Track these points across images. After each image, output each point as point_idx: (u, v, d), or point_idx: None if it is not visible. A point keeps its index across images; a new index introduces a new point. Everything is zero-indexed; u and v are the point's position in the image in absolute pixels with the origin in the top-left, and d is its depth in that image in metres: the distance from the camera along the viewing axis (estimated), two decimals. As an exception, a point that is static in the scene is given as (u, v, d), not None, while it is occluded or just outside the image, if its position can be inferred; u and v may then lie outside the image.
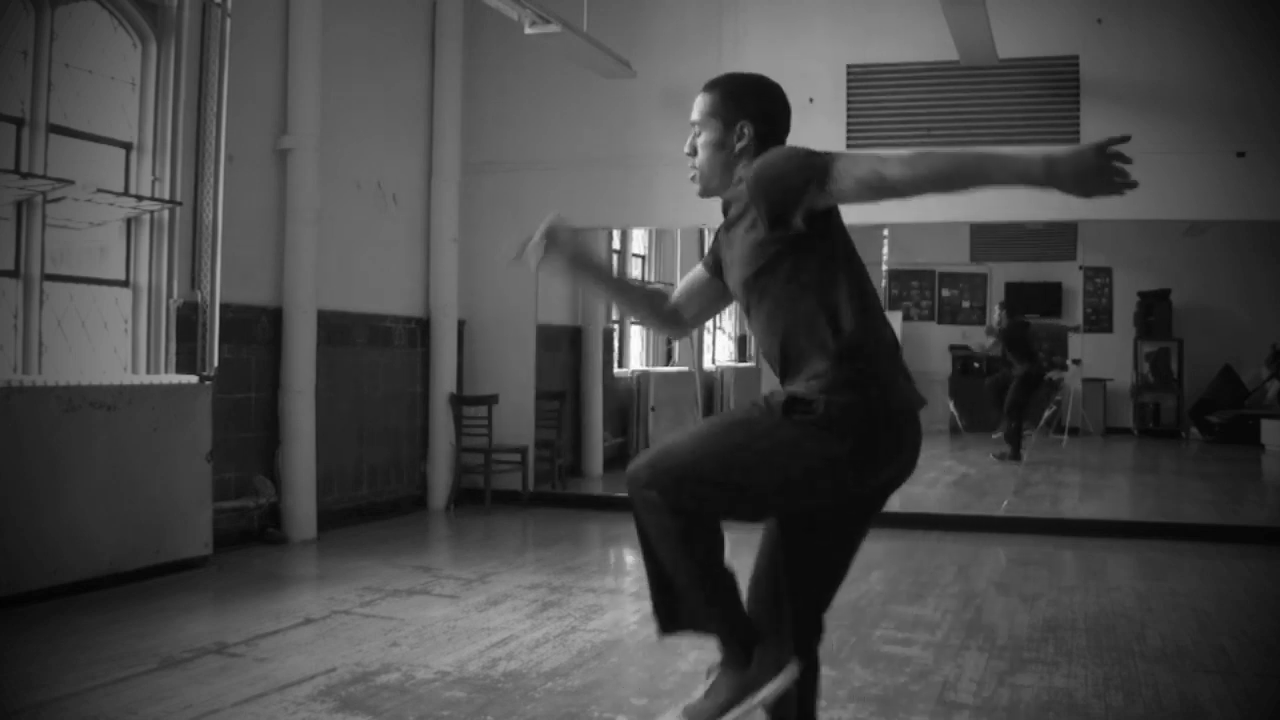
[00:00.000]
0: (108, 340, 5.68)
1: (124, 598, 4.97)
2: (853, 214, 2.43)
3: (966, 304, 14.63)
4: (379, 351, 7.57)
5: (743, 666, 2.37)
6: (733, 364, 12.39)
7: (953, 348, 14.35)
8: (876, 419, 2.26)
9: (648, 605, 2.46)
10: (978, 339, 13.85)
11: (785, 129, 2.49)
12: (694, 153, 2.49)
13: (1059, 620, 4.82)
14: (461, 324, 8.28)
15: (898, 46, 7.65)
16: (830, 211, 2.31)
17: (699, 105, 2.48)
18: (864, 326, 2.29)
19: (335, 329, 7.08)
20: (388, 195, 7.71)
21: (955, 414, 12.80)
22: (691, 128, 2.50)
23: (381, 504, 7.57)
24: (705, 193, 2.52)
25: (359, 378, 7.38)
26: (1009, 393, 10.98)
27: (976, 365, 14.17)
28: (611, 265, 2.61)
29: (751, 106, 2.43)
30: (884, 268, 11.55)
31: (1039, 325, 12.66)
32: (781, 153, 2.32)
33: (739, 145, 2.42)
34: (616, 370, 10.43)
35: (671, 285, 2.75)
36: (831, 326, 2.27)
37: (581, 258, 2.61)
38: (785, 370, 2.35)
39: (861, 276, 2.37)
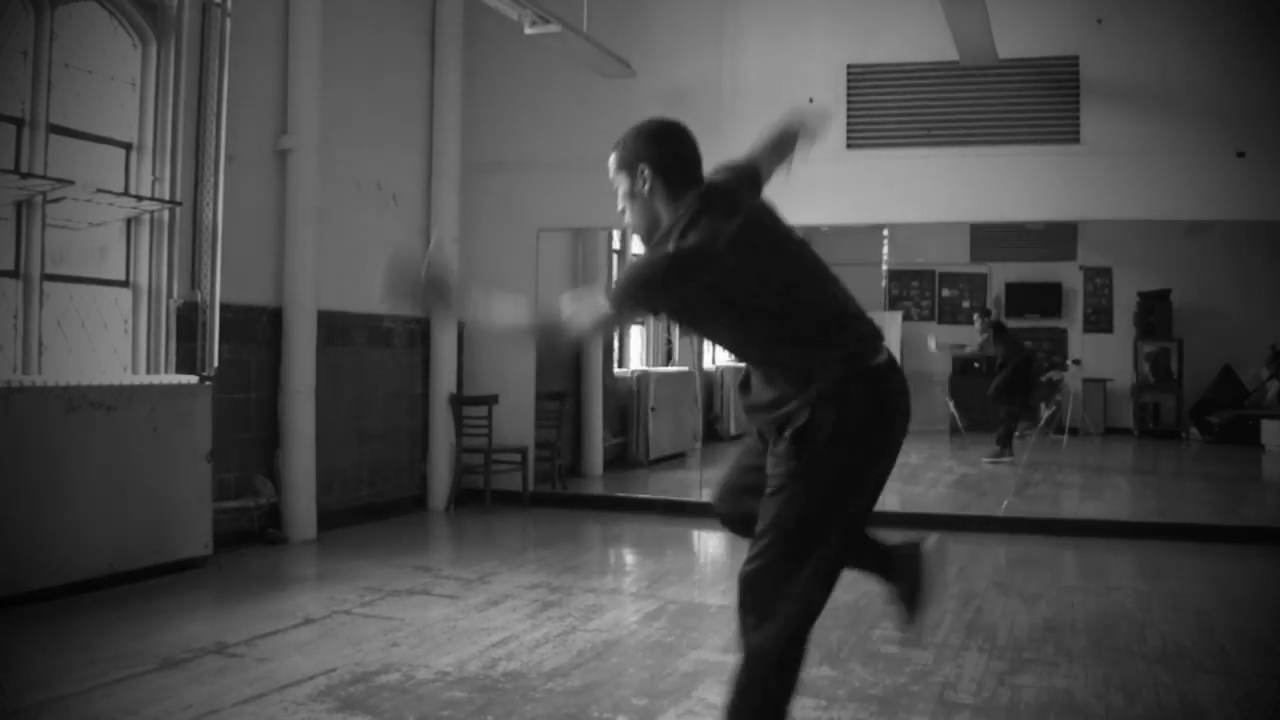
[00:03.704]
0: (108, 340, 5.67)
1: (124, 598, 4.97)
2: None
3: (966, 304, 14.63)
4: (379, 351, 7.57)
5: None
6: (733, 364, 12.40)
7: (953, 347, 14.35)
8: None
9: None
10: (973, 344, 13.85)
11: (688, 162, 2.67)
12: (623, 211, 2.72)
13: (1059, 620, 4.82)
14: (462, 324, 8.28)
15: (898, 46, 7.65)
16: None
17: (610, 165, 2.71)
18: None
19: (335, 329, 7.08)
20: (388, 195, 7.71)
21: (955, 414, 12.79)
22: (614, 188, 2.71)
23: (381, 504, 7.57)
24: (643, 239, 2.70)
25: (359, 378, 7.38)
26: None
27: (976, 365, 14.17)
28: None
29: (644, 150, 2.65)
30: (884, 268, 11.53)
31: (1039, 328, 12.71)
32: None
33: (645, 188, 2.64)
34: (616, 370, 10.43)
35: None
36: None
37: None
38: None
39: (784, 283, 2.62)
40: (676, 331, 11.84)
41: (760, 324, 2.59)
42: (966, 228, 12.85)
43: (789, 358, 2.59)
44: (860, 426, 2.53)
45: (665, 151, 2.66)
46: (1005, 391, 11.03)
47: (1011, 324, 12.33)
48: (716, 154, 2.83)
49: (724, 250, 2.48)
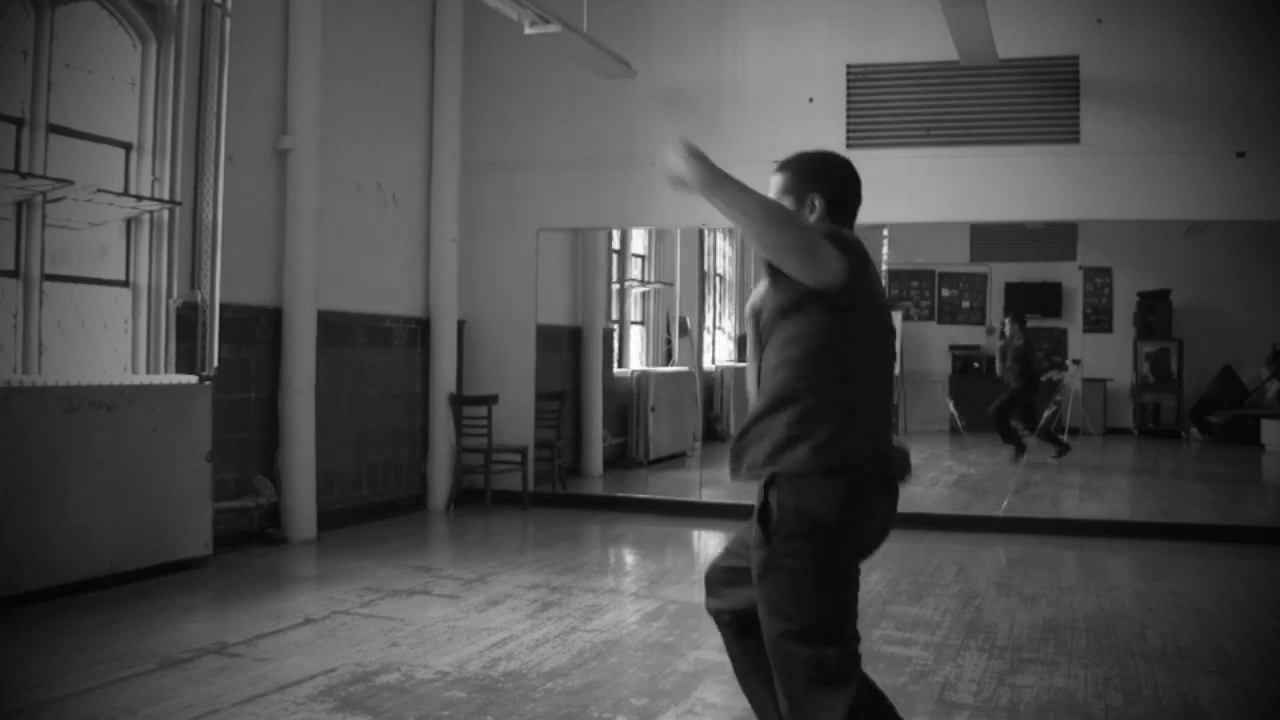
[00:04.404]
0: (108, 340, 5.68)
1: (124, 598, 4.97)
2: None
3: (966, 304, 14.63)
4: (379, 351, 7.57)
5: None
6: (733, 364, 12.39)
7: (952, 348, 14.35)
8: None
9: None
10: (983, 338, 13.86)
11: (851, 207, 2.70)
12: None
13: (1059, 620, 4.82)
14: (461, 324, 8.28)
15: (898, 46, 7.65)
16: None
17: (773, 185, 2.67)
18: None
19: (335, 329, 7.08)
20: (388, 195, 7.71)
21: (955, 414, 12.80)
22: None
23: (381, 504, 7.57)
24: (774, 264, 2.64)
25: (359, 378, 7.38)
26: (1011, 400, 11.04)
27: (976, 365, 14.17)
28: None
29: (823, 184, 2.65)
30: (884, 268, 11.54)
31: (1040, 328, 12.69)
32: None
33: (811, 216, 2.62)
34: (616, 370, 10.42)
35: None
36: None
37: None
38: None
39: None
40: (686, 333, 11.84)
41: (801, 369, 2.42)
42: (966, 228, 12.85)
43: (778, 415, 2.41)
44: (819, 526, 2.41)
45: (843, 192, 2.70)
46: (1012, 408, 10.99)
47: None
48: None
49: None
